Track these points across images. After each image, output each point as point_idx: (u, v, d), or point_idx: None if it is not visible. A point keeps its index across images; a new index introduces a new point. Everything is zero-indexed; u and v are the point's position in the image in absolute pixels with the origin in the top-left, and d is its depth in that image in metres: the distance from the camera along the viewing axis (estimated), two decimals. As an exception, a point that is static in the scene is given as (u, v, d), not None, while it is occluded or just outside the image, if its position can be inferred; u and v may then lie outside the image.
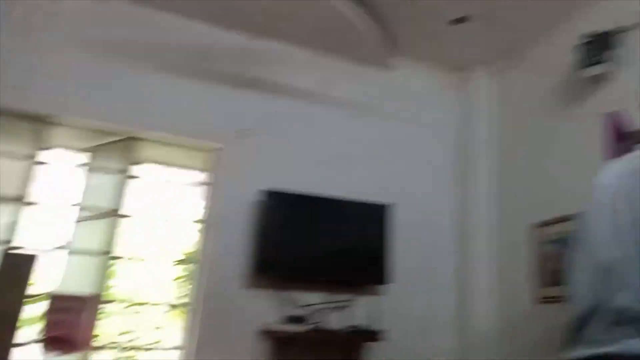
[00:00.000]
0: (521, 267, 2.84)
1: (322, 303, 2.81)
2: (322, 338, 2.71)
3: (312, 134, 3.12)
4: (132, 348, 4.12)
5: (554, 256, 2.65)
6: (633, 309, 0.97)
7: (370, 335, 2.75)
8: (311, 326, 2.69)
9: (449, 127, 3.47)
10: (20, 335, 2.08)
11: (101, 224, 2.67)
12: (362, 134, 3.23)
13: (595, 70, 2.40)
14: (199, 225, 2.91)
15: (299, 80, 3.14)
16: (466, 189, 3.31)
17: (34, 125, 2.62)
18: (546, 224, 2.70)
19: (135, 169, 2.82)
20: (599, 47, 2.37)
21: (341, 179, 3.06)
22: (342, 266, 2.86)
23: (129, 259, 3.27)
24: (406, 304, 3.00)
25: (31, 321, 2.46)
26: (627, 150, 1.55)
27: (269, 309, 2.73)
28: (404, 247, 3.02)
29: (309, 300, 2.79)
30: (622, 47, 2.37)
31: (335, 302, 2.84)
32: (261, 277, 2.72)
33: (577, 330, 1.09)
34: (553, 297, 2.58)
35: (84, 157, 2.82)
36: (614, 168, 1.23)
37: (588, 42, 2.44)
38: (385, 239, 2.95)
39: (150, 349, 4.47)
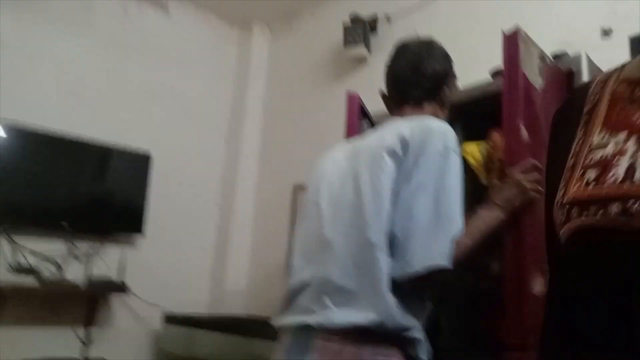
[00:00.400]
0: (280, 225, 3.00)
1: (59, 253, 2.55)
2: (57, 291, 2.47)
3: (65, 68, 2.73)
4: None
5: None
6: (336, 282, 1.10)
7: (113, 287, 2.61)
8: (45, 278, 2.42)
9: (226, 82, 3.45)
10: None
11: None
12: (131, 76, 2.97)
13: (355, 51, 2.60)
14: None
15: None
16: (236, 146, 3.34)
17: None
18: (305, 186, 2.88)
19: None
20: (361, 30, 2.56)
21: (102, 122, 2.79)
22: (91, 213, 2.64)
23: None
24: (160, 256, 2.95)
25: None
26: (362, 130, 1.71)
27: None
28: (164, 199, 2.94)
29: (46, 250, 2.50)
30: (377, 34, 2.62)
31: (77, 252, 2.61)
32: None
33: (291, 299, 1.19)
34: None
35: None
36: (330, 154, 1.35)
37: (353, 23, 2.62)
38: (144, 189, 2.82)
39: None
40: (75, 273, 2.57)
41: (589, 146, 0.65)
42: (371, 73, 2.62)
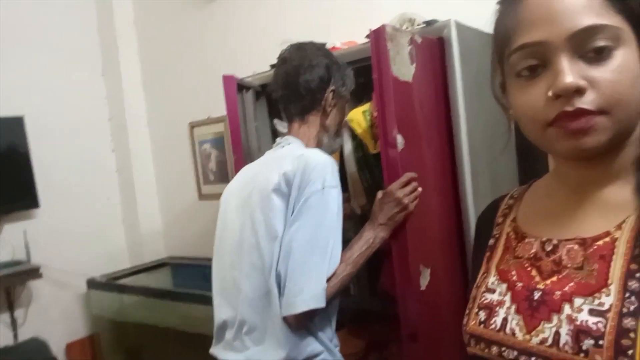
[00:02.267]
0: (182, 164, 2.96)
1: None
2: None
3: None
4: None
5: (210, 155, 2.81)
6: (250, 322, 1.19)
7: (24, 273, 2.55)
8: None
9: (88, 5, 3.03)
10: None
11: None
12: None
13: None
14: None
15: None
16: (116, 81, 3.07)
17: None
18: (203, 123, 2.79)
19: None
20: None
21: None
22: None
23: None
24: (67, 220, 2.87)
25: None
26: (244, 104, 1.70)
27: None
28: (52, 159, 2.75)
29: None
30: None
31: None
32: None
33: (219, 334, 1.30)
34: (212, 194, 2.79)
35: None
36: (234, 182, 1.36)
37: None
38: (25, 156, 2.61)
39: None
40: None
41: (486, 285, 0.72)
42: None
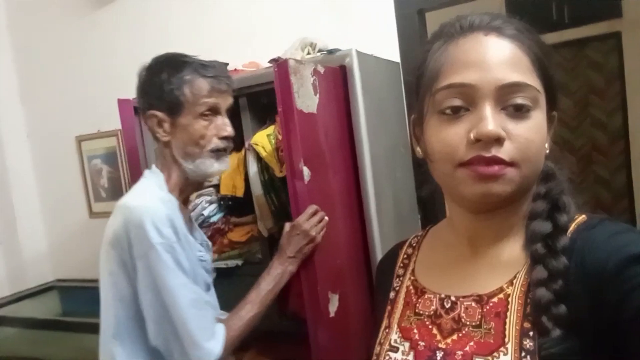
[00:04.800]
0: (70, 181, 2.78)
1: None
2: None
3: None
4: None
5: (101, 171, 2.65)
6: None
7: None
8: None
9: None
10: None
11: None
12: None
13: None
14: None
15: None
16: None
17: None
18: (92, 137, 2.62)
19: None
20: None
21: None
22: None
23: None
24: None
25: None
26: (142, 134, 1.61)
27: None
28: None
29: None
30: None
31: None
32: None
33: None
34: (104, 212, 2.65)
35: None
36: None
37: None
38: None
39: None
40: None
41: (389, 343, 0.73)
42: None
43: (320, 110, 1.34)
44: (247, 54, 1.86)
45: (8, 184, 2.82)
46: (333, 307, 1.31)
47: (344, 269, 1.40)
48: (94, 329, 2.01)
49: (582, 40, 1.87)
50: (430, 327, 0.70)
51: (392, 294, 0.79)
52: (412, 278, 0.78)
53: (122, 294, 1.18)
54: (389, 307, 0.79)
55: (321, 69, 1.36)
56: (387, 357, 0.72)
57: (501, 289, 0.66)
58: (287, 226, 1.30)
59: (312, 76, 1.32)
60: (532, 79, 0.64)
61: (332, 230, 1.32)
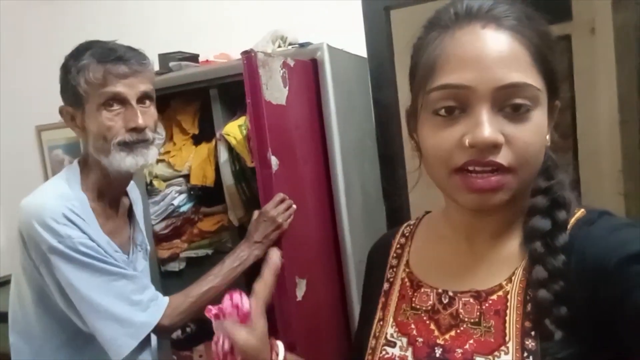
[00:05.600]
0: (29, 171, 2.73)
1: None
2: None
3: None
4: None
5: (63, 162, 2.61)
6: None
7: None
8: None
9: None
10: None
11: None
12: None
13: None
14: None
15: None
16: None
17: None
18: (54, 127, 2.58)
19: None
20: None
21: None
22: None
23: None
24: None
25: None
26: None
27: None
28: None
29: None
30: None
31: None
32: None
33: None
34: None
35: None
36: None
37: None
38: None
39: None
40: None
41: (385, 337, 0.72)
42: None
43: (290, 102, 1.38)
44: (219, 46, 1.88)
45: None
46: (300, 291, 1.36)
47: (313, 255, 1.45)
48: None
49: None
50: (427, 322, 0.69)
51: (385, 285, 0.78)
52: (407, 270, 0.77)
53: (22, 295, 1.19)
54: (382, 299, 0.77)
55: (291, 62, 1.39)
56: (383, 352, 0.71)
57: (500, 286, 0.65)
58: (256, 213, 1.34)
59: (282, 69, 1.35)
60: (532, 77, 0.60)
61: (301, 218, 1.37)
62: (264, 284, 0.80)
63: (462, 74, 0.60)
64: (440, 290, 0.70)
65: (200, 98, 1.76)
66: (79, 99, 1.18)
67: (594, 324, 0.58)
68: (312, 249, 1.47)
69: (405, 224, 0.85)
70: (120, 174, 1.23)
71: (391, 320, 0.73)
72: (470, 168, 0.60)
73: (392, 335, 0.72)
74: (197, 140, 1.78)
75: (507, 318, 0.62)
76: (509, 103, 0.59)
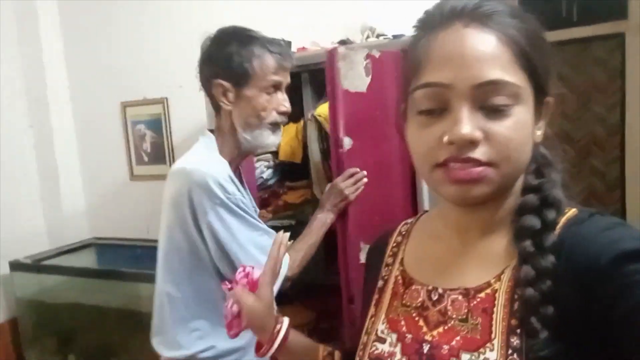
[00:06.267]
0: (112, 142, 2.96)
1: None
2: None
3: None
4: None
5: (144, 136, 2.82)
6: None
7: None
8: None
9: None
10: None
11: None
12: None
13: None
14: None
15: None
16: (34, 50, 2.92)
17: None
18: (137, 104, 2.80)
19: None
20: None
21: None
22: None
23: None
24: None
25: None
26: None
27: None
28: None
29: None
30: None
31: None
32: None
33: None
34: (145, 175, 2.88)
35: None
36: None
37: None
38: None
39: None
40: None
41: (376, 333, 0.74)
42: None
43: (372, 90, 1.54)
44: (310, 36, 2.04)
45: (52, 143, 2.99)
46: (364, 255, 1.48)
47: (382, 225, 1.59)
48: (130, 277, 2.21)
49: (588, 38, 2.04)
50: (417, 319, 0.70)
51: (380, 283, 0.80)
52: (400, 268, 0.78)
53: (179, 246, 1.33)
54: (376, 296, 0.79)
55: (376, 53, 1.55)
56: (373, 348, 0.73)
57: (488, 284, 0.66)
58: (328, 186, 1.55)
59: (366, 60, 1.52)
60: (512, 74, 0.61)
61: (373, 190, 1.54)
62: (272, 259, 0.92)
63: (442, 73, 0.62)
64: (430, 288, 0.71)
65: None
66: (243, 79, 1.33)
67: (585, 322, 0.58)
68: (382, 220, 1.58)
69: (402, 223, 0.87)
70: (255, 149, 1.43)
71: (383, 316, 0.75)
72: (451, 165, 0.62)
73: (382, 332, 0.73)
74: (285, 120, 1.96)
75: (494, 316, 0.63)
76: (488, 101, 0.60)
